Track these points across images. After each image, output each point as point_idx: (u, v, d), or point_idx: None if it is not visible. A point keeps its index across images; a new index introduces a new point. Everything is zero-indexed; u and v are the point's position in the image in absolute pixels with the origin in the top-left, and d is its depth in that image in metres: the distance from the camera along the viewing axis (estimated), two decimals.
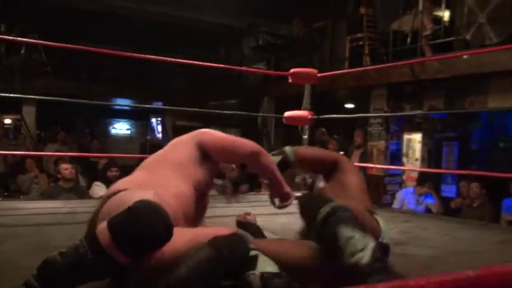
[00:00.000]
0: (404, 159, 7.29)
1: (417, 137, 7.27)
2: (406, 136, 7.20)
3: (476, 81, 5.54)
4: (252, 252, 1.31)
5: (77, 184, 4.83)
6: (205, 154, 1.70)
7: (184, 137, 1.76)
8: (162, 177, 1.59)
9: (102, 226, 1.21)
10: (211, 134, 1.75)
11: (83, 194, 4.54)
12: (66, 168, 4.41)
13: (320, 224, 1.39)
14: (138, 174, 1.66)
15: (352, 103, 8.20)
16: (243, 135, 9.84)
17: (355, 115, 5.20)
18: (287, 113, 4.84)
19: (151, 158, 1.76)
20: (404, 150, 7.27)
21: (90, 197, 4.36)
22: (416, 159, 7.29)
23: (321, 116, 4.69)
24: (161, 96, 10.78)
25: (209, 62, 5.52)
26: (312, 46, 7.62)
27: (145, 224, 1.19)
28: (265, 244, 1.45)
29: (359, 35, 6.46)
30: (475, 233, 2.82)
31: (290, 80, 4.57)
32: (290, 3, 7.85)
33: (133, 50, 5.88)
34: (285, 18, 8.28)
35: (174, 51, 9.57)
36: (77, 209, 2.95)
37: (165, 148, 1.79)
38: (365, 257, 1.27)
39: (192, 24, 9.83)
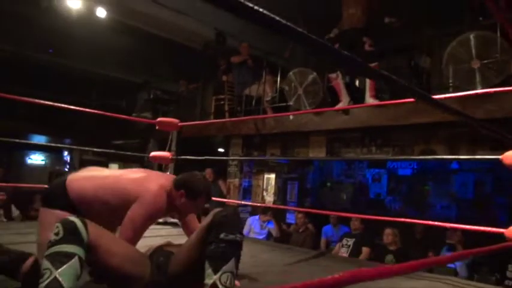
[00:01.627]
0: (265, 193, 7.39)
1: (272, 176, 7.44)
2: (266, 175, 7.34)
3: (300, 137, 5.82)
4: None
5: None
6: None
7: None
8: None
9: None
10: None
11: None
12: None
13: None
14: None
15: (222, 149, 8.26)
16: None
17: (208, 157, 5.15)
18: (152, 153, 4.67)
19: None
20: (264, 186, 7.38)
21: None
22: (273, 193, 7.42)
23: (179, 157, 4.58)
24: (71, 134, 10.07)
25: (113, 109, 5.25)
26: (191, 102, 7.62)
27: None
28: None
29: (221, 96, 6.54)
30: (275, 254, 2.77)
31: (157, 127, 4.44)
32: (176, 68, 7.87)
33: (50, 93, 5.49)
34: (173, 79, 8.27)
35: (89, 97, 9.14)
36: None
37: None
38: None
39: (102, 77, 9.44)
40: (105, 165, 10.10)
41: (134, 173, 1.74)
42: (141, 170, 1.86)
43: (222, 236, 1.28)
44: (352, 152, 5.43)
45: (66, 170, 11.15)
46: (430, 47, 4.66)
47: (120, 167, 10.29)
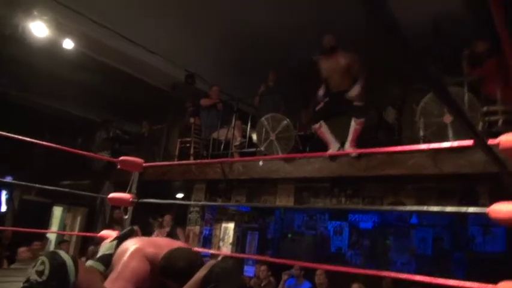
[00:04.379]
0: (221, 243, 6.97)
1: (231, 225, 7.09)
2: (223, 224, 6.98)
3: (268, 184, 5.63)
4: None
5: None
6: None
7: None
8: None
9: None
10: None
11: None
12: None
13: None
14: None
15: (182, 194, 7.85)
16: (89, 214, 8.72)
17: (173, 201, 4.80)
18: (111, 195, 4.23)
19: None
20: (221, 236, 6.98)
21: None
22: (230, 244, 7.03)
23: (140, 200, 4.19)
24: (14, 170, 9.15)
25: (68, 147, 4.76)
26: (153, 143, 7.27)
27: None
28: None
29: (187, 138, 6.29)
30: None
31: (118, 166, 4.05)
32: (140, 108, 7.57)
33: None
34: (135, 119, 7.93)
35: (41, 134, 8.42)
36: None
37: None
38: None
39: (57, 113, 8.86)
40: (50, 207, 9.20)
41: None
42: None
43: None
44: (320, 202, 5.30)
45: (3, 211, 10.01)
46: (401, 101, 4.81)
47: (64, 210, 9.42)
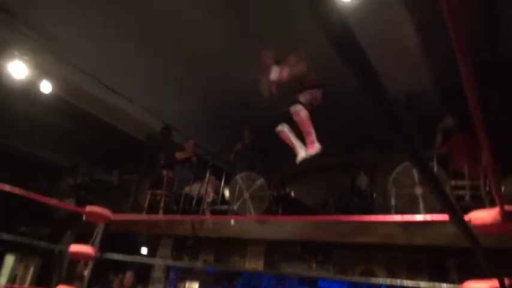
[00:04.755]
0: None
1: (196, 286, 6.71)
2: (188, 285, 6.60)
3: (238, 245, 5.46)
4: None
5: None
6: None
7: None
8: None
9: None
10: None
11: None
12: None
13: None
14: None
15: (146, 248, 7.48)
16: (43, 266, 8.08)
17: (139, 257, 4.53)
18: (73, 247, 3.95)
19: None
20: None
21: None
22: None
23: (103, 256, 3.94)
24: None
25: (32, 191, 4.47)
26: (122, 193, 7.01)
27: None
28: None
29: (158, 191, 6.11)
30: None
31: (84, 218, 3.84)
32: (112, 156, 7.38)
33: None
34: (105, 167, 7.68)
35: (2, 174, 7.98)
36: None
37: None
38: None
39: (23, 154, 8.49)
40: (1, 256, 8.50)
41: None
42: None
43: None
44: (291, 267, 5.14)
45: None
46: (373, 168, 4.91)
47: (16, 260, 8.72)
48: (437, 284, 3.25)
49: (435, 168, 3.86)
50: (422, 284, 2.97)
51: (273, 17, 4.34)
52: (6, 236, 6.56)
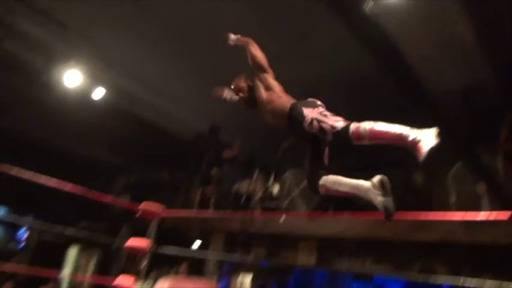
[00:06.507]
0: None
1: (248, 279, 6.81)
2: (241, 278, 6.71)
3: (290, 240, 5.43)
4: None
5: None
6: None
7: None
8: None
9: None
10: None
11: None
12: None
13: None
14: None
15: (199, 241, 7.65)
16: (103, 256, 8.52)
17: (188, 254, 4.65)
18: (129, 241, 4.14)
19: None
20: None
21: None
22: None
23: (158, 249, 4.13)
24: (34, 209, 9.13)
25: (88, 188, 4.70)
26: (174, 192, 7.21)
27: None
28: None
29: (208, 188, 6.20)
30: None
31: (138, 214, 4.01)
32: (163, 156, 7.58)
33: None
34: (156, 166, 7.92)
35: (62, 176, 8.45)
36: None
37: None
38: None
39: (81, 156, 8.94)
40: (65, 248, 9.05)
41: None
42: None
43: None
44: (344, 262, 5.04)
45: (19, 249, 9.91)
46: (430, 165, 4.67)
47: (79, 252, 9.23)
48: (505, 284, 3.02)
49: (500, 165, 3.60)
50: (488, 283, 2.79)
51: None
52: (68, 231, 6.98)
